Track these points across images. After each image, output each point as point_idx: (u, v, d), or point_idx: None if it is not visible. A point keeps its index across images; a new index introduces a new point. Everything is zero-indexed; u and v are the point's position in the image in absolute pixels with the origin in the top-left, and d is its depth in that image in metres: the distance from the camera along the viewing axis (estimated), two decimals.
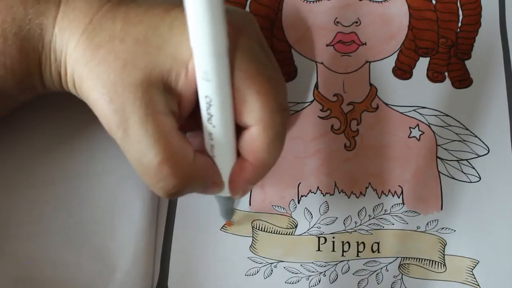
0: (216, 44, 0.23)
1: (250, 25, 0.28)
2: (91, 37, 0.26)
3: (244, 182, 0.28)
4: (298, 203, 0.35)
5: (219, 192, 0.29)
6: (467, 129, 0.36)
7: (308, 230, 0.35)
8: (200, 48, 0.23)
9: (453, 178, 0.36)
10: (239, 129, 0.27)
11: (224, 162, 0.28)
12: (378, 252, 0.34)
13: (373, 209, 0.35)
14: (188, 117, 0.28)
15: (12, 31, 0.27)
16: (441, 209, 0.35)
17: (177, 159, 0.26)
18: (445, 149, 0.36)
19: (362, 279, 0.34)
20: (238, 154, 0.28)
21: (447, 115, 0.37)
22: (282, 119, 0.27)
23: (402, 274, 0.34)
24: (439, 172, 0.36)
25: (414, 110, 0.37)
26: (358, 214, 0.35)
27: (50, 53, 0.28)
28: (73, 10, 0.27)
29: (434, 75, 0.38)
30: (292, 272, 0.34)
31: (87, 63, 0.26)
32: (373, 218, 0.35)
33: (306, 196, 0.35)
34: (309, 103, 0.37)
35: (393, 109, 0.37)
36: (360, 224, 0.35)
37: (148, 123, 0.25)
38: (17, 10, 0.27)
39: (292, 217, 0.35)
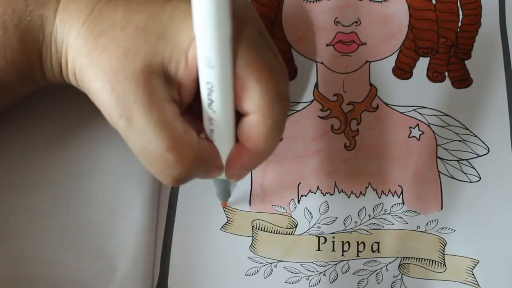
0: (221, 31, 0.23)
1: (251, 15, 0.28)
2: (92, 27, 0.26)
3: (240, 167, 0.28)
4: (298, 203, 0.35)
5: (219, 176, 0.29)
6: (467, 129, 0.36)
7: (308, 230, 0.35)
8: (204, 35, 0.23)
9: (453, 178, 0.36)
10: (239, 116, 0.27)
11: (223, 147, 0.28)
12: (378, 252, 0.34)
13: (373, 209, 0.35)
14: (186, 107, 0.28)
15: (13, 22, 0.27)
16: (441, 209, 0.35)
17: (182, 145, 0.26)
18: (445, 149, 0.36)
19: (362, 279, 0.34)
20: (237, 139, 0.28)
21: (447, 115, 0.37)
22: (281, 108, 0.27)
23: (402, 274, 0.34)
24: (439, 172, 0.36)
25: (414, 110, 0.37)
26: (358, 214, 0.35)
27: (51, 45, 0.28)
28: (74, 1, 0.27)
29: (434, 75, 0.38)
30: (292, 272, 0.34)
31: (88, 53, 0.26)
32: (373, 218, 0.35)
33: (306, 196, 0.35)
34: (309, 103, 0.37)
35: (393, 109, 0.37)
36: (360, 224, 0.35)
37: (152, 111, 0.25)
38: (17, 1, 0.27)
39: (292, 217, 0.35)
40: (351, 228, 0.35)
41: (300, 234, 0.35)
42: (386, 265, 0.34)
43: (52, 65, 0.28)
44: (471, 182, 0.35)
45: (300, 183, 0.36)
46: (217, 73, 0.24)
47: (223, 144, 0.28)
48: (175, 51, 0.26)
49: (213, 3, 0.22)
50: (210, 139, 0.28)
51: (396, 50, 0.38)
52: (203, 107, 0.26)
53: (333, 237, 0.35)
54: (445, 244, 0.34)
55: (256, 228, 0.35)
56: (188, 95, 0.27)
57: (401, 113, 0.37)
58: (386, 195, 0.35)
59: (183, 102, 0.27)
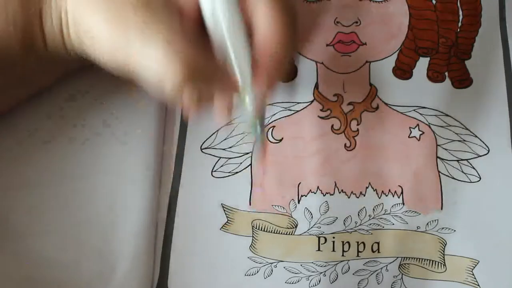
0: None
1: None
2: None
3: (266, 71, 0.28)
4: (298, 203, 0.35)
5: (239, 101, 0.29)
6: (467, 129, 0.36)
7: (308, 230, 0.35)
8: None
9: (453, 178, 0.35)
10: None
11: (240, 66, 0.28)
12: (378, 252, 0.34)
13: (373, 209, 0.35)
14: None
15: None
16: (441, 209, 0.35)
17: (182, 40, 0.26)
18: (445, 149, 0.36)
19: (362, 279, 0.34)
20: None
21: (447, 115, 0.37)
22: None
23: (402, 274, 0.34)
24: (439, 172, 0.36)
25: (414, 110, 0.37)
26: (358, 214, 0.35)
27: (51, 1, 0.29)
28: None
29: (434, 75, 0.38)
30: (292, 272, 0.34)
31: (88, 2, 0.27)
32: (373, 218, 0.35)
33: (306, 196, 0.35)
34: (309, 103, 0.37)
35: (393, 109, 0.37)
36: (360, 224, 0.35)
37: (149, 16, 0.26)
38: None
39: (292, 217, 0.35)
40: (351, 228, 0.35)
41: (300, 234, 0.35)
42: (386, 265, 0.34)
43: (52, 23, 0.29)
44: (471, 182, 0.35)
45: (300, 183, 0.36)
46: None
47: (239, 63, 0.27)
48: None
49: None
50: (226, 63, 0.27)
51: (396, 50, 0.38)
52: (210, 31, 0.27)
53: (333, 237, 0.35)
54: (445, 244, 0.34)
55: (256, 228, 0.35)
56: (190, 24, 0.27)
57: (401, 113, 0.37)
58: (386, 195, 0.35)
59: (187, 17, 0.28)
